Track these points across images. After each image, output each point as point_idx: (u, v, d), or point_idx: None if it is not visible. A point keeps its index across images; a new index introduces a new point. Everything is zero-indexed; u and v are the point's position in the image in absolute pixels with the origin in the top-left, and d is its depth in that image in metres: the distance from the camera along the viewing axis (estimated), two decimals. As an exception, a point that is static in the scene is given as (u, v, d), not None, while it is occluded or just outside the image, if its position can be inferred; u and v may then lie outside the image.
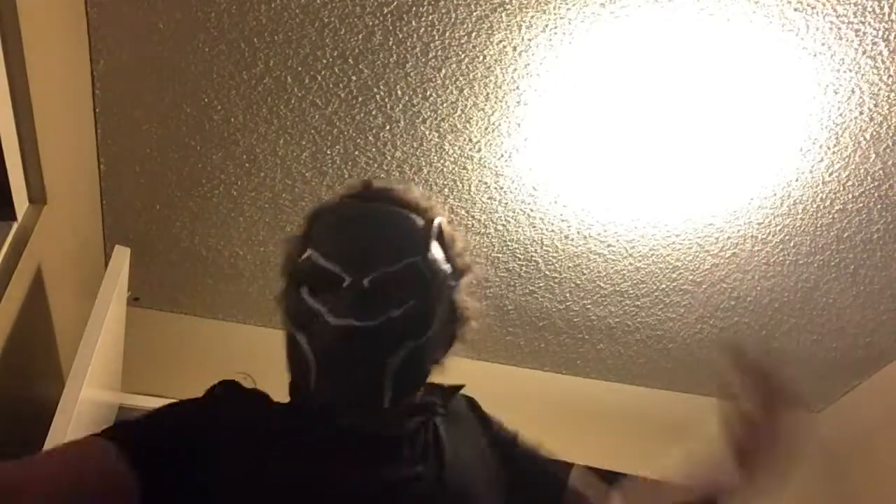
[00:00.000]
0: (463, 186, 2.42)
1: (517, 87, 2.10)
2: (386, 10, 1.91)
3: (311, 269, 0.89)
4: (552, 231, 2.57)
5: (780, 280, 2.74)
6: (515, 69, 2.05)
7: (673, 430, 3.31)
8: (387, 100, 2.15)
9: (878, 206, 2.43)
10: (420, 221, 0.94)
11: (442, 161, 2.34)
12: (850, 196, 2.40)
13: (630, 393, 3.33)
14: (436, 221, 0.96)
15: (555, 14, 1.91)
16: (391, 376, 0.83)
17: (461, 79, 2.09)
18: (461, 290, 0.98)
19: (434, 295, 0.90)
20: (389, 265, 0.87)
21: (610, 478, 3.10)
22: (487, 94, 2.13)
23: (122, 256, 2.03)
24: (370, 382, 0.83)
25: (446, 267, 0.94)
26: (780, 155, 2.28)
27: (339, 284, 0.86)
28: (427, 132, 2.25)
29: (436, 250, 0.93)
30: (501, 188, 2.42)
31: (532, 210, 2.49)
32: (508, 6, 1.90)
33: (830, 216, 2.48)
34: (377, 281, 0.85)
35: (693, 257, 2.66)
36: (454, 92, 2.12)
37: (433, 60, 2.04)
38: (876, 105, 2.12)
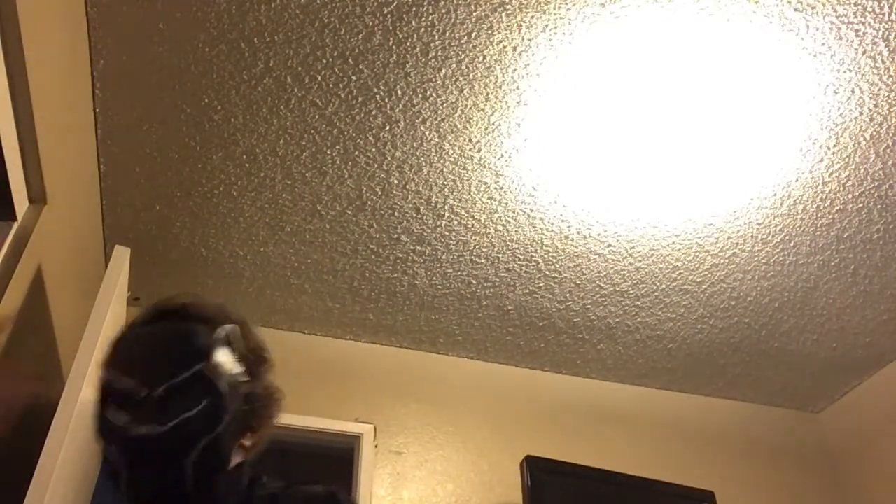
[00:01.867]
0: (463, 186, 2.42)
1: (517, 87, 2.10)
2: (386, 10, 1.92)
3: (111, 387, 1.01)
4: (552, 231, 2.57)
5: (780, 280, 2.74)
6: (515, 69, 2.05)
7: (673, 430, 3.34)
8: (387, 100, 2.15)
9: (878, 206, 2.43)
10: (203, 332, 1.05)
11: (442, 161, 2.34)
12: (850, 196, 2.40)
13: (630, 393, 3.33)
14: (219, 330, 1.07)
15: (555, 14, 1.91)
16: (192, 466, 0.97)
17: (461, 79, 2.09)
18: (259, 380, 1.11)
19: (223, 393, 1.02)
20: (178, 373, 0.99)
21: (609, 477, 3.10)
22: (487, 94, 2.13)
23: (122, 256, 2.03)
24: (173, 474, 0.97)
25: (234, 367, 1.06)
26: (780, 155, 2.28)
27: (137, 397, 0.98)
28: (427, 132, 2.25)
29: (220, 356, 1.05)
30: (501, 188, 2.42)
31: (532, 210, 2.49)
32: (508, 6, 1.90)
33: (830, 216, 2.48)
34: (169, 389, 0.98)
35: (693, 257, 2.66)
36: (454, 92, 2.13)
37: (433, 60, 2.04)
38: (876, 105, 2.12)
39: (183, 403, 0.98)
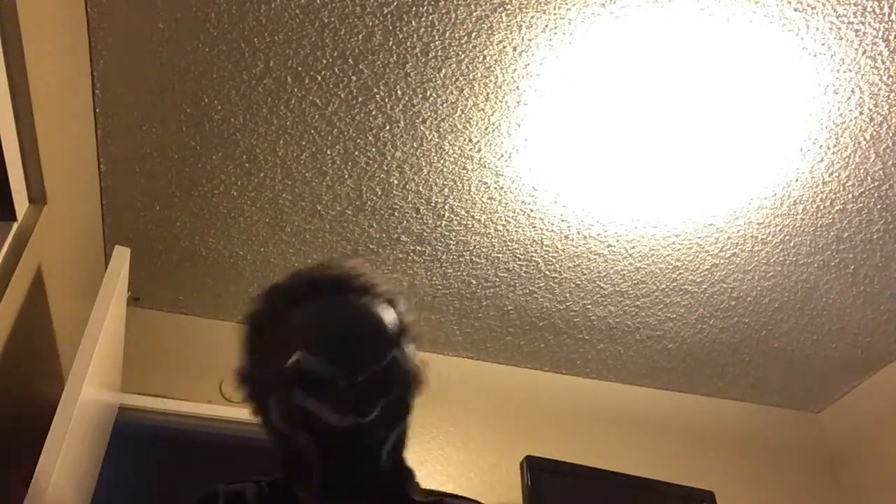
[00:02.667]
0: (463, 186, 2.42)
1: (517, 87, 2.10)
2: (386, 10, 1.92)
3: (304, 371, 0.92)
4: (552, 231, 2.57)
5: (780, 280, 2.74)
6: (515, 69, 2.05)
7: (673, 430, 3.33)
8: (387, 100, 2.15)
9: (878, 207, 2.43)
10: (391, 313, 1.01)
11: (442, 161, 2.34)
12: (850, 196, 2.40)
13: (630, 393, 3.33)
14: (400, 309, 1.03)
15: (555, 14, 1.91)
16: (387, 455, 0.94)
17: (461, 79, 2.09)
18: (415, 353, 1.06)
19: (413, 378, 1.00)
20: (377, 363, 0.94)
21: (609, 477, 3.10)
22: (487, 94, 2.13)
23: (122, 256, 2.02)
24: (372, 465, 0.92)
25: (412, 343, 1.03)
26: (780, 155, 2.28)
27: (336, 386, 0.91)
28: (427, 132, 2.25)
29: (406, 337, 1.02)
30: (501, 188, 2.42)
31: (532, 210, 2.49)
32: (508, 6, 1.90)
33: (830, 216, 2.48)
34: (369, 378, 0.92)
35: (693, 257, 2.66)
36: (454, 92, 2.12)
37: (433, 60, 2.04)
38: (876, 105, 2.12)
39: (382, 391, 0.93)
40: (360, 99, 2.15)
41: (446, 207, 2.50)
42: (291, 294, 0.99)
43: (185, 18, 1.95)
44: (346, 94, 2.14)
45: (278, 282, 1.03)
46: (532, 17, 1.92)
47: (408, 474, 1.04)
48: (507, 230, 2.58)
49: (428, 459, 2.88)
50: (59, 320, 2.18)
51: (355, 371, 0.91)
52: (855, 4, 1.87)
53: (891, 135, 2.20)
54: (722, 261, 2.67)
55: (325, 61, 2.05)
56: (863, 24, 1.91)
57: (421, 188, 2.43)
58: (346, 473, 0.90)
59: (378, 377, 0.93)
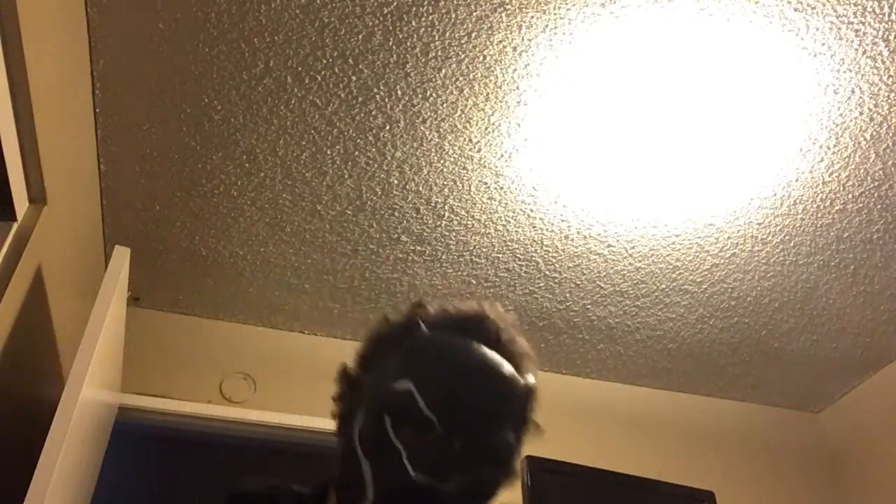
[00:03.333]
0: (463, 186, 2.42)
1: (517, 87, 2.10)
2: (386, 10, 1.92)
3: (405, 405, 0.82)
4: (552, 231, 2.57)
5: (780, 280, 2.74)
6: (515, 69, 2.05)
7: (673, 430, 3.33)
8: (387, 100, 2.15)
9: (878, 207, 2.43)
10: (521, 386, 0.88)
11: (442, 161, 2.34)
12: (850, 196, 2.40)
13: (630, 393, 3.33)
14: (534, 392, 0.91)
15: (555, 14, 1.91)
16: None
17: (461, 79, 2.09)
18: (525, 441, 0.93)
19: (514, 470, 0.88)
20: (486, 434, 0.82)
21: (609, 477, 3.09)
22: (487, 94, 2.13)
23: (122, 256, 2.03)
24: None
25: (528, 431, 0.91)
26: (780, 155, 2.28)
27: (428, 433, 0.80)
28: (427, 132, 2.25)
29: (526, 426, 0.90)
30: (501, 188, 2.42)
31: (532, 210, 2.49)
32: (508, 6, 1.90)
33: (830, 216, 2.48)
34: (468, 446, 0.81)
35: (693, 257, 2.66)
36: (454, 92, 2.12)
37: (433, 60, 2.04)
38: (876, 105, 2.12)
39: (472, 461, 0.81)
40: (360, 99, 2.15)
41: (446, 207, 2.50)
42: (434, 321, 0.91)
43: (185, 18, 1.95)
44: (346, 94, 2.14)
45: (423, 302, 0.94)
46: (532, 17, 1.92)
47: None
48: (507, 230, 2.58)
49: (428, 459, 2.87)
50: (59, 320, 2.18)
51: (457, 431, 0.80)
52: (855, 4, 1.87)
53: (891, 135, 2.20)
54: (722, 261, 2.67)
55: (325, 61, 2.05)
56: (863, 24, 1.91)
57: (421, 188, 2.43)
58: None
59: (477, 451, 0.81)
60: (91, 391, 1.81)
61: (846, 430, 3.35)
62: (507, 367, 0.87)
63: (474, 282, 2.80)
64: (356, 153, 2.32)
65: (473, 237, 2.61)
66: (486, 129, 2.23)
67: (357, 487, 0.83)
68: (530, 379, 0.90)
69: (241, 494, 0.99)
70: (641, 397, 3.33)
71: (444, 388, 0.82)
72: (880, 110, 2.14)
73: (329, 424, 0.95)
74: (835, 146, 2.25)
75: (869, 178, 2.34)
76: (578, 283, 2.79)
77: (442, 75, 2.08)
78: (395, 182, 2.41)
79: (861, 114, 2.15)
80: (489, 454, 0.82)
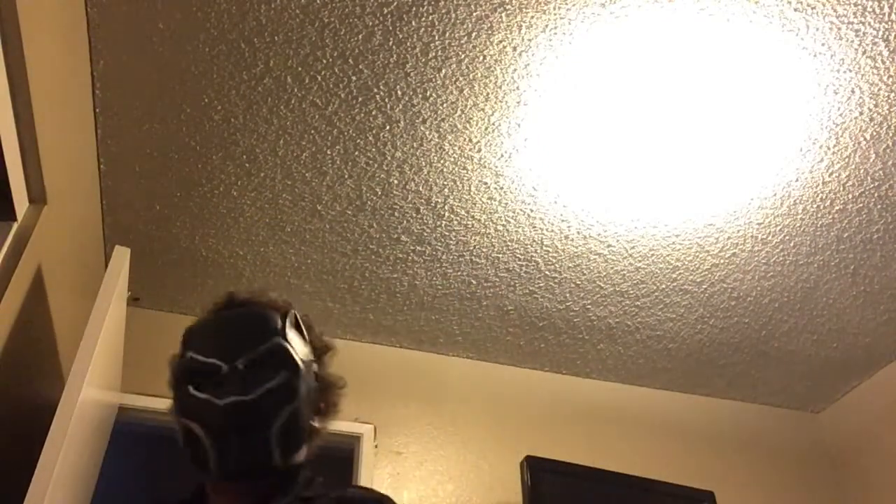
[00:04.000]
0: (463, 186, 2.42)
1: (517, 87, 2.10)
2: (386, 10, 1.92)
3: (192, 365, 1.04)
4: (552, 231, 2.57)
5: (780, 280, 2.74)
6: (515, 69, 2.05)
7: (673, 430, 3.33)
8: (387, 100, 2.15)
9: (878, 207, 2.43)
10: (276, 314, 1.12)
11: (442, 161, 2.34)
12: (850, 196, 2.40)
13: (630, 393, 3.33)
14: (290, 312, 1.14)
15: (555, 14, 1.91)
16: (276, 437, 1.00)
17: (461, 79, 2.09)
18: (324, 366, 1.17)
19: (299, 366, 1.07)
20: (256, 347, 1.04)
21: (609, 477, 3.09)
22: (487, 94, 2.13)
23: (122, 256, 2.02)
24: (260, 444, 0.99)
25: (305, 347, 1.13)
26: (780, 155, 2.28)
27: (219, 373, 1.02)
28: (427, 132, 2.25)
29: (292, 334, 1.11)
30: (501, 188, 2.42)
31: (532, 210, 2.49)
32: (508, 6, 1.90)
33: (830, 216, 2.48)
34: (249, 362, 1.02)
35: (693, 257, 2.66)
36: (454, 92, 2.13)
37: (433, 60, 2.04)
38: (876, 105, 2.12)
39: (263, 375, 1.02)
40: (360, 99, 2.15)
41: (446, 207, 2.50)
42: (203, 314, 1.16)
43: (185, 18, 1.95)
44: (346, 94, 2.14)
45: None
46: (532, 17, 1.92)
47: (306, 475, 1.09)
48: (507, 230, 2.58)
49: (428, 459, 2.88)
50: (59, 320, 2.18)
51: (233, 356, 1.02)
52: (855, 4, 1.87)
53: (891, 135, 2.21)
54: (722, 261, 2.67)
55: (325, 61, 2.05)
56: (863, 24, 1.91)
57: (421, 188, 2.43)
58: (236, 451, 0.98)
59: (259, 361, 1.03)
60: (91, 391, 1.81)
61: (846, 430, 3.35)
62: (253, 305, 1.12)
63: (474, 282, 2.80)
64: (356, 153, 2.32)
65: (473, 237, 2.61)
66: (486, 129, 2.23)
67: (200, 447, 1.00)
68: (280, 308, 1.14)
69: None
70: (641, 397, 3.33)
71: (210, 336, 1.07)
72: (880, 110, 2.14)
73: (337, 424, 1.15)
74: (835, 146, 2.25)
75: (869, 178, 2.34)
76: (578, 283, 2.79)
77: (442, 75, 2.08)
78: (395, 182, 2.41)
79: (861, 114, 2.15)
80: (268, 358, 1.03)
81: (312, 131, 2.25)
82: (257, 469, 0.99)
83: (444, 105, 2.16)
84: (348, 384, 1.21)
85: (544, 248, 2.64)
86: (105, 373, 2.09)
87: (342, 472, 2.77)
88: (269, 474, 1.01)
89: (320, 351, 1.18)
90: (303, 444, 1.07)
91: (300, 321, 1.16)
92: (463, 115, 2.19)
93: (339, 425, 2.82)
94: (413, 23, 1.94)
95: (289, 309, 1.16)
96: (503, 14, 1.92)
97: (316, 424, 1.10)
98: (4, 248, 1.69)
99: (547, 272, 2.75)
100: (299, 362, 1.07)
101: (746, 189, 2.40)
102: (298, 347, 1.10)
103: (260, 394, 1.00)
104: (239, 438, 0.98)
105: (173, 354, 1.15)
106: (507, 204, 2.48)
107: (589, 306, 2.90)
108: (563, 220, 2.53)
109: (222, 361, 1.02)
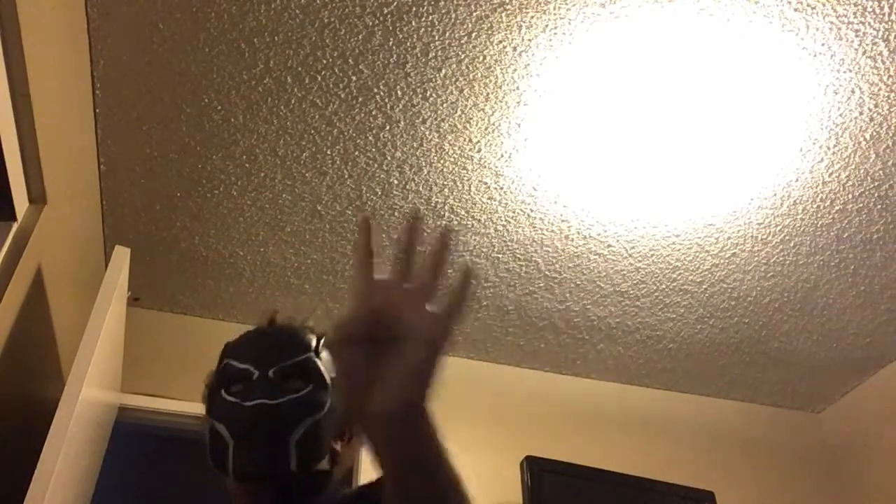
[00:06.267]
0: (463, 186, 2.42)
1: (517, 87, 2.10)
2: (386, 10, 1.92)
3: (227, 370, 1.10)
4: (552, 231, 2.57)
5: (780, 280, 2.74)
6: (515, 69, 2.05)
7: (673, 430, 3.33)
8: (387, 100, 2.15)
9: (878, 206, 2.43)
10: (312, 335, 1.16)
11: (442, 161, 2.34)
12: (850, 196, 2.40)
13: (630, 393, 3.33)
14: (326, 336, 1.15)
15: (555, 14, 1.91)
16: (295, 444, 1.02)
17: (461, 79, 2.09)
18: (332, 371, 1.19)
19: (327, 383, 1.10)
20: (289, 359, 1.08)
21: (609, 477, 3.09)
22: (487, 94, 2.13)
23: (122, 256, 2.03)
24: (279, 449, 1.01)
25: (329, 364, 1.15)
26: (780, 155, 2.28)
27: (251, 378, 1.06)
28: (427, 132, 2.25)
29: (325, 356, 1.14)
30: (501, 188, 2.42)
31: (532, 210, 2.49)
32: (508, 6, 1.90)
33: (830, 216, 2.48)
34: (280, 371, 1.06)
35: (693, 257, 2.66)
36: (454, 92, 2.12)
37: (433, 60, 2.04)
38: (876, 105, 2.12)
39: (292, 384, 1.05)
40: (360, 99, 2.15)
41: (446, 207, 2.50)
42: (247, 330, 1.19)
43: (185, 18, 1.95)
44: (346, 94, 2.14)
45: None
46: (532, 17, 1.92)
47: (324, 478, 1.10)
48: (507, 230, 2.58)
49: (428, 459, 2.87)
50: (59, 320, 2.18)
51: (266, 365, 1.06)
52: (855, 4, 1.87)
53: (891, 135, 2.20)
54: (722, 261, 2.67)
55: (325, 61, 2.05)
56: (863, 24, 1.91)
57: (421, 188, 2.43)
58: (255, 453, 1.01)
59: (290, 371, 1.06)
60: (91, 391, 1.81)
61: (846, 430, 3.35)
62: (292, 326, 1.17)
63: (474, 282, 2.80)
64: (356, 153, 2.32)
65: (473, 237, 2.61)
66: (486, 129, 2.23)
67: (221, 446, 1.03)
68: (318, 332, 1.18)
69: None
70: (641, 397, 3.32)
71: (247, 346, 1.12)
72: (880, 110, 2.14)
73: None
74: (835, 146, 2.25)
75: (869, 178, 2.34)
76: (578, 283, 2.79)
77: (442, 75, 2.08)
78: (395, 182, 2.41)
79: (861, 114, 2.15)
80: (299, 370, 1.07)
81: (312, 131, 2.25)
82: (273, 473, 1.01)
83: (444, 105, 2.16)
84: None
85: (544, 248, 2.64)
86: (105, 373, 2.10)
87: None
88: (285, 481, 1.02)
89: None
90: (322, 458, 1.08)
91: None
92: (463, 115, 2.19)
93: (339, 425, 2.83)
94: (413, 23, 1.94)
95: (326, 334, 1.18)
96: (503, 14, 1.92)
97: (337, 448, 1.12)
98: (4, 248, 1.69)
99: (547, 272, 2.75)
100: (328, 379, 1.10)
101: (746, 189, 2.40)
102: (329, 368, 1.13)
103: (285, 400, 1.03)
104: (259, 440, 1.01)
105: (210, 371, 1.20)
106: (507, 204, 2.48)
107: (589, 306, 2.90)
108: (563, 220, 2.53)
109: (255, 368, 1.07)
